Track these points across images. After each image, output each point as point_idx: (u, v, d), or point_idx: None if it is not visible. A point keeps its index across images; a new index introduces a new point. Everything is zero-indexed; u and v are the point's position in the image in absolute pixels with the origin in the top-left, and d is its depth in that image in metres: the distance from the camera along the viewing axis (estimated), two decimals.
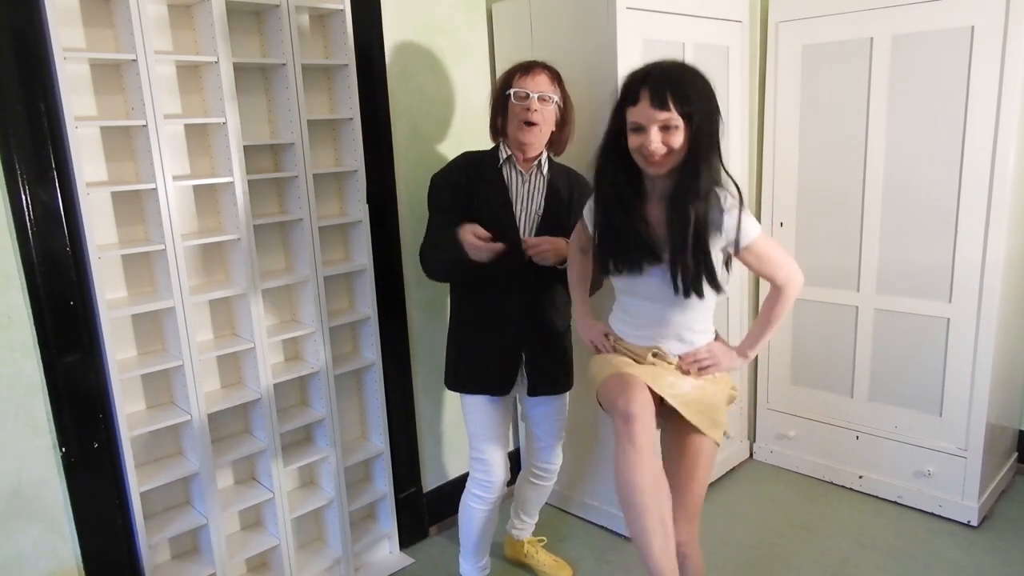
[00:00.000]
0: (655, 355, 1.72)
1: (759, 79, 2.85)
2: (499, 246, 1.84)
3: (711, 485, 2.91)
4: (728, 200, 1.57)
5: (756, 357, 3.06)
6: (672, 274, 1.58)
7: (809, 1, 2.65)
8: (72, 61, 1.74)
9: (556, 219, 2.01)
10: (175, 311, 1.89)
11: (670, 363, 1.72)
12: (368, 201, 2.26)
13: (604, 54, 2.22)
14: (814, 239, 2.78)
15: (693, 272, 1.57)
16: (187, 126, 1.97)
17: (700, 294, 1.59)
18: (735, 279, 2.89)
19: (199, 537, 2.12)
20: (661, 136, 1.51)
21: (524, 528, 2.43)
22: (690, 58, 2.44)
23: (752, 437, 3.17)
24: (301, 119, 2.06)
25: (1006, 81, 2.26)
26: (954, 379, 2.53)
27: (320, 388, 2.24)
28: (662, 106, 1.49)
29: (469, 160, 2.07)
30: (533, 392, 2.10)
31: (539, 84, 1.95)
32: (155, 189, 1.82)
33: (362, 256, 2.30)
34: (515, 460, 2.42)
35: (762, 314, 1.76)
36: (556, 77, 2.00)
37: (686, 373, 1.72)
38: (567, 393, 2.20)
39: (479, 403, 2.09)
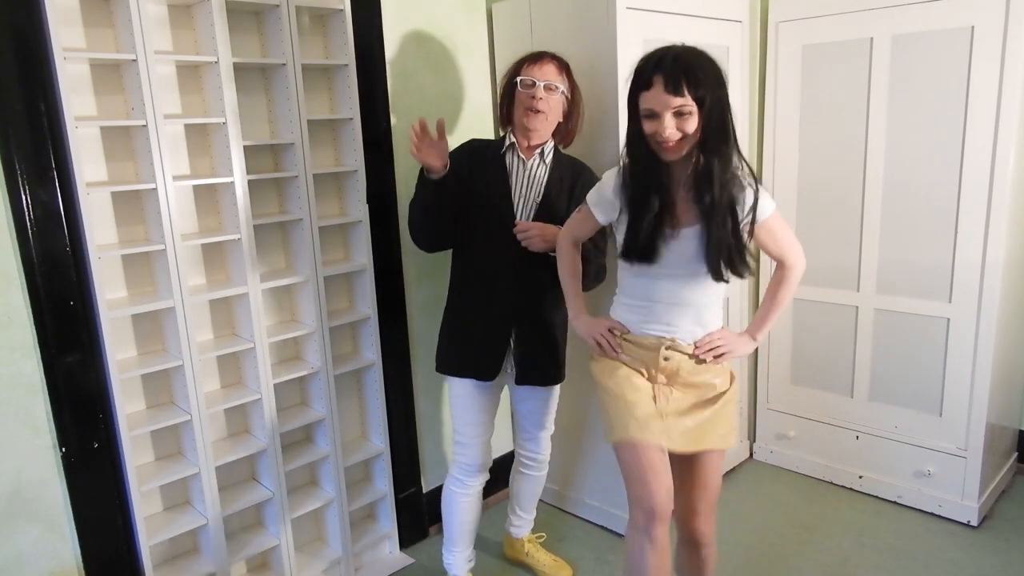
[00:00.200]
0: (668, 348, 1.70)
1: (759, 79, 2.85)
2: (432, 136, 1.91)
3: None
4: (746, 177, 1.61)
5: (756, 357, 3.07)
6: (710, 255, 1.59)
7: (809, 1, 2.65)
8: (72, 61, 1.74)
9: (553, 208, 2.02)
10: (175, 311, 1.89)
11: (685, 352, 1.70)
12: (368, 201, 2.26)
13: (604, 54, 2.22)
14: (814, 239, 2.78)
15: (731, 250, 1.58)
16: (187, 126, 1.97)
17: (738, 272, 1.61)
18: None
19: (199, 537, 2.12)
20: (675, 122, 1.51)
21: (522, 525, 2.44)
22: None
23: (752, 437, 3.17)
24: (301, 119, 2.06)
25: (1006, 81, 2.26)
26: (954, 379, 2.53)
27: (320, 388, 2.24)
28: (676, 91, 1.48)
29: (475, 145, 2.11)
30: (521, 381, 2.11)
31: (546, 73, 1.97)
32: (155, 189, 1.82)
33: (362, 256, 2.30)
34: (512, 460, 2.42)
35: (767, 297, 1.78)
36: (564, 68, 2.02)
37: (701, 361, 1.71)
38: (557, 386, 2.21)
39: (464, 387, 2.11)
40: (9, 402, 1.73)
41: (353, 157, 2.23)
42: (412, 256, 2.43)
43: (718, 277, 1.61)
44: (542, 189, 2.03)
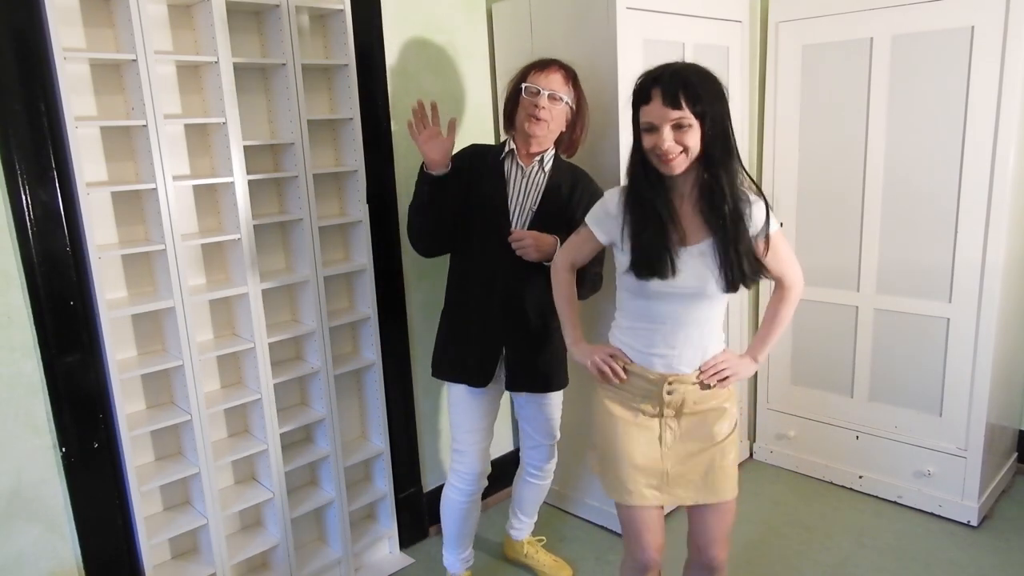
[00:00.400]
0: (672, 383, 1.65)
1: (759, 79, 2.85)
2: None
3: None
4: (751, 191, 1.60)
5: None
6: (724, 269, 1.58)
7: (809, 1, 2.65)
8: (72, 61, 1.74)
9: (550, 216, 2.01)
10: (175, 311, 1.89)
11: (687, 382, 1.66)
12: (368, 201, 2.26)
13: (604, 54, 2.22)
14: (814, 239, 2.78)
15: (743, 263, 1.57)
16: (187, 126, 1.97)
17: (749, 284, 1.60)
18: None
19: (199, 537, 2.12)
20: (674, 135, 1.51)
21: (522, 528, 2.44)
22: (690, 58, 2.44)
23: (752, 437, 3.17)
24: (301, 119, 2.06)
25: (1006, 81, 2.26)
26: (954, 379, 2.53)
27: (320, 388, 2.24)
28: (674, 104, 1.49)
29: (475, 150, 2.10)
30: (511, 387, 2.09)
31: (552, 83, 1.96)
32: (155, 189, 1.82)
33: (362, 256, 2.30)
34: (515, 461, 2.42)
35: (767, 317, 1.76)
36: (571, 77, 2.01)
37: (705, 387, 1.67)
38: (559, 393, 2.19)
39: (460, 393, 2.11)
40: (9, 402, 1.73)
41: (353, 157, 2.23)
42: (412, 256, 2.42)
43: (732, 288, 1.59)
44: (539, 197, 2.02)
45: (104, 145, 1.85)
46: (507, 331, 2.04)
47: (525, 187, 2.02)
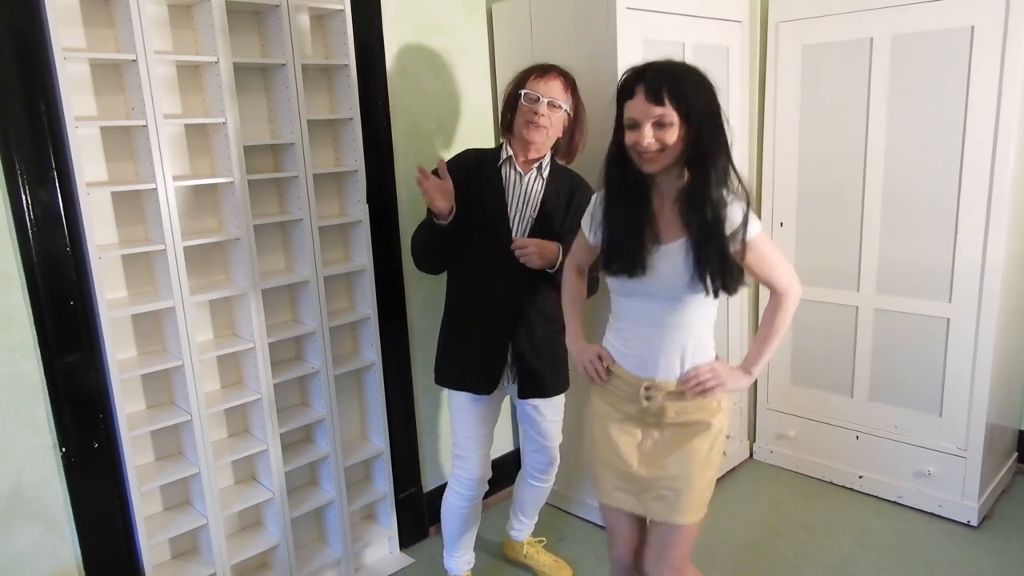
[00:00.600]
0: (648, 388, 1.63)
1: (759, 79, 2.85)
2: (442, 182, 1.89)
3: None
4: (737, 192, 1.55)
5: None
6: (696, 270, 1.54)
7: (809, 1, 2.65)
8: (72, 61, 1.74)
9: (549, 222, 2.01)
10: (175, 311, 1.89)
11: (667, 389, 1.63)
12: (368, 201, 2.26)
13: (604, 54, 2.22)
14: (814, 239, 2.78)
15: (719, 268, 1.53)
16: (187, 126, 1.97)
17: (729, 289, 1.55)
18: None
19: (199, 537, 2.12)
20: (655, 132, 1.49)
21: (522, 529, 2.43)
22: (690, 58, 2.44)
23: (752, 437, 3.17)
24: (301, 119, 2.06)
25: (1006, 81, 2.26)
26: (954, 379, 2.53)
27: (320, 388, 2.24)
28: (657, 101, 1.48)
29: (472, 156, 2.08)
30: (523, 395, 2.10)
31: (551, 89, 1.95)
32: (155, 189, 1.82)
33: (362, 256, 2.30)
34: (515, 461, 2.41)
35: (762, 328, 1.68)
36: (570, 85, 2.00)
37: (683, 394, 1.63)
38: (561, 396, 2.19)
39: (463, 400, 2.10)
40: (9, 402, 1.73)
41: (353, 157, 2.23)
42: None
43: (706, 291, 1.55)
44: (538, 204, 2.01)
45: (104, 145, 1.85)
46: (510, 338, 2.04)
47: (524, 194, 2.01)
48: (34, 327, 1.73)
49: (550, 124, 1.96)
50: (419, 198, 2.27)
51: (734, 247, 1.54)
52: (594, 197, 1.72)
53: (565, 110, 1.98)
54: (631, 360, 1.66)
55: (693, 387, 1.61)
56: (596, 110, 2.27)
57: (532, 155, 2.01)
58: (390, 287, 2.39)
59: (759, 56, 2.83)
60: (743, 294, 2.93)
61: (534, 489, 2.33)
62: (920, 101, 2.46)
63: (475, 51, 2.60)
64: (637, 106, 1.50)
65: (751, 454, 3.17)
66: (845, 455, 2.86)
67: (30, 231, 1.68)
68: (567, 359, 2.14)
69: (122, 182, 1.87)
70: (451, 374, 2.10)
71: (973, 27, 2.30)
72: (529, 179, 2.02)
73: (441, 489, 2.26)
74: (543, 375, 2.09)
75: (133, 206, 1.92)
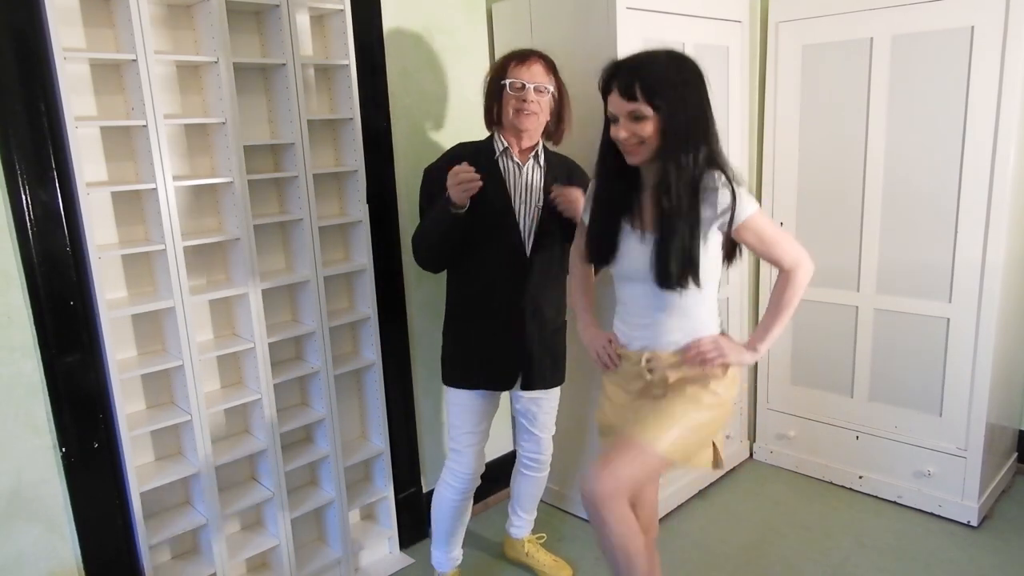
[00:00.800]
0: (649, 360, 1.67)
1: (759, 79, 2.85)
2: (475, 178, 1.83)
3: (712, 485, 2.91)
4: (720, 179, 1.55)
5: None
6: (657, 260, 1.57)
7: (809, 1, 2.65)
8: (72, 61, 1.74)
9: (555, 211, 2.00)
10: (175, 311, 1.89)
11: (669, 360, 1.66)
12: (368, 201, 2.26)
13: (604, 54, 2.20)
14: (814, 239, 2.78)
15: (671, 261, 1.54)
16: (187, 126, 1.97)
17: (683, 284, 1.57)
18: (735, 279, 2.90)
19: (199, 537, 2.12)
20: (631, 126, 1.52)
21: (522, 525, 2.44)
22: None
23: (752, 437, 3.17)
24: (301, 119, 2.06)
25: (1006, 81, 2.26)
26: (954, 379, 2.53)
27: (320, 388, 2.24)
28: (629, 96, 1.51)
29: (465, 151, 2.04)
30: (528, 386, 2.10)
31: (535, 75, 1.94)
32: (155, 189, 1.82)
33: (362, 256, 2.30)
34: (514, 460, 2.41)
35: (771, 304, 1.67)
36: (551, 67, 1.99)
37: (690, 361, 1.65)
38: (558, 388, 2.21)
39: (465, 396, 2.10)
40: (9, 402, 1.73)
41: (353, 157, 2.23)
42: (412, 256, 2.43)
43: (662, 284, 1.57)
44: (541, 193, 2.02)
45: (104, 145, 1.85)
46: (526, 332, 2.03)
47: (525, 185, 2.01)
48: (34, 327, 1.73)
49: (540, 109, 1.95)
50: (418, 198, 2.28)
51: (721, 229, 1.58)
52: (590, 185, 1.76)
53: (551, 92, 1.97)
54: (636, 342, 1.71)
55: (693, 356, 1.64)
56: (596, 110, 2.27)
57: (526, 143, 2.00)
58: (390, 287, 2.39)
59: (759, 56, 2.83)
60: (743, 273, 2.93)
61: (530, 480, 2.34)
62: (920, 101, 2.45)
63: (475, 51, 2.60)
64: (613, 101, 1.55)
65: (751, 454, 3.17)
66: (845, 455, 2.86)
67: (30, 231, 1.68)
68: (566, 351, 2.17)
69: (122, 182, 1.87)
70: (464, 374, 2.08)
71: (973, 27, 2.30)
72: (528, 169, 2.02)
73: None
74: (550, 367, 2.11)
75: (133, 206, 1.92)
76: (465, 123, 2.58)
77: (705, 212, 1.55)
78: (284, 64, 2.02)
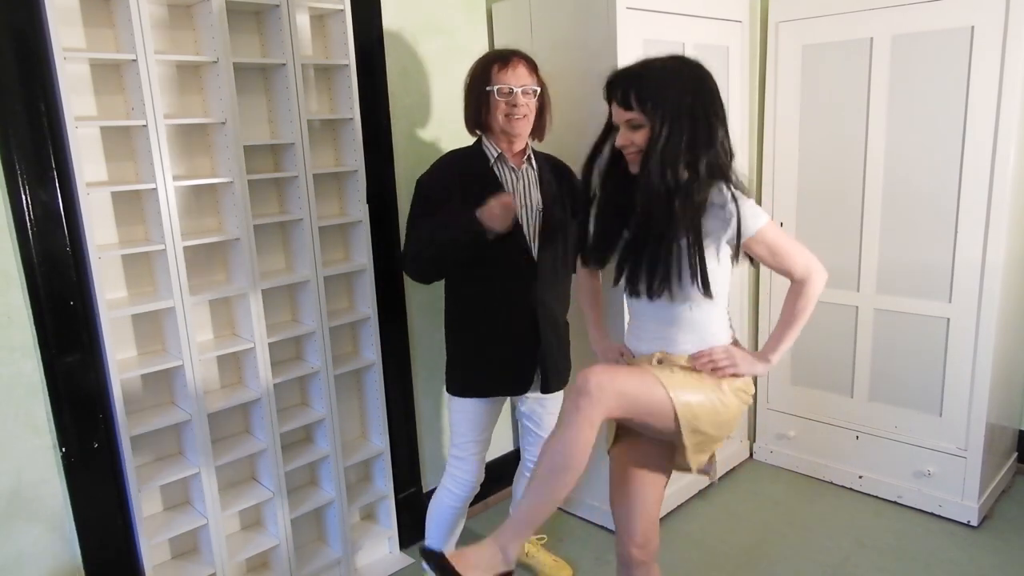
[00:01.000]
0: (660, 362, 1.65)
1: (759, 79, 2.85)
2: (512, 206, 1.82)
3: (712, 485, 2.91)
4: (727, 192, 1.52)
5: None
6: (627, 273, 1.57)
7: (809, 1, 2.65)
8: (72, 61, 1.74)
9: (555, 210, 1.99)
10: (175, 311, 1.89)
11: (679, 364, 1.63)
12: (368, 201, 2.26)
13: (604, 54, 2.22)
14: (814, 239, 2.78)
15: (649, 271, 1.53)
16: (187, 126, 1.97)
17: (650, 294, 1.55)
18: (735, 282, 2.89)
19: (199, 537, 2.12)
20: (629, 135, 1.53)
21: None
22: None
23: (752, 437, 3.17)
24: (301, 119, 2.06)
25: (1006, 81, 2.26)
26: (954, 379, 2.53)
27: (320, 388, 2.24)
28: (625, 105, 1.52)
29: (457, 160, 2.02)
30: (547, 389, 2.08)
31: (520, 77, 1.92)
32: (155, 189, 1.82)
33: (362, 256, 2.30)
34: (515, 461, 2.41)
35: (783, 314, 1.64)
36: (533, 65, 1.97)
37: (702, 367, 1.62)
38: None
39: (471, 404, 2.07)
40: (9, 402, 1.73)
41: (353, 157, 2.23)
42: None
43: (628, 290, 1.57)
44: (539, 194, 2.01)
45: (104, 145, 1.85)
46: (539, 335, 2.02)
47: (524, 188, 2.00)
48: (34, 327, 1.73)
49: (529, 111, 1.94)
50: None
51: (732, 243, 1.55)
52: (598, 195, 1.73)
53: (536, 92, 1.96)
54: (639, 349, 1.70)
55: (704, 364, 1.61)
56: (596, 110, 2.26)
57: (518, 147, 1.99)
58: (390, 287, 2.39)
59: (759, 56, 2.83)
60: (743, 277, 2.93)
61: None
62: (920, 101, 2.46)
63: (475, 51, 2.59)
64: (614, 110, 1.56)
65: (751, 454, 3.17)
66: (845, 455, 2.86)
67: (30, 231, 1.68)
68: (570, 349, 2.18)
69: (122, 182, 1.87)
70: (479, 382, 2.05)
71: (973, 27, 2.30)
72: (524, 173, 2.01)
73: None
74: (562, 367, 2.12)
75: (133, 206, 1.92)
76: (464, 124, 2.58)
77: (711, 226, 1.53)
78: (284, 64, 2.02)
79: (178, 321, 1.90)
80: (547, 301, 2.02)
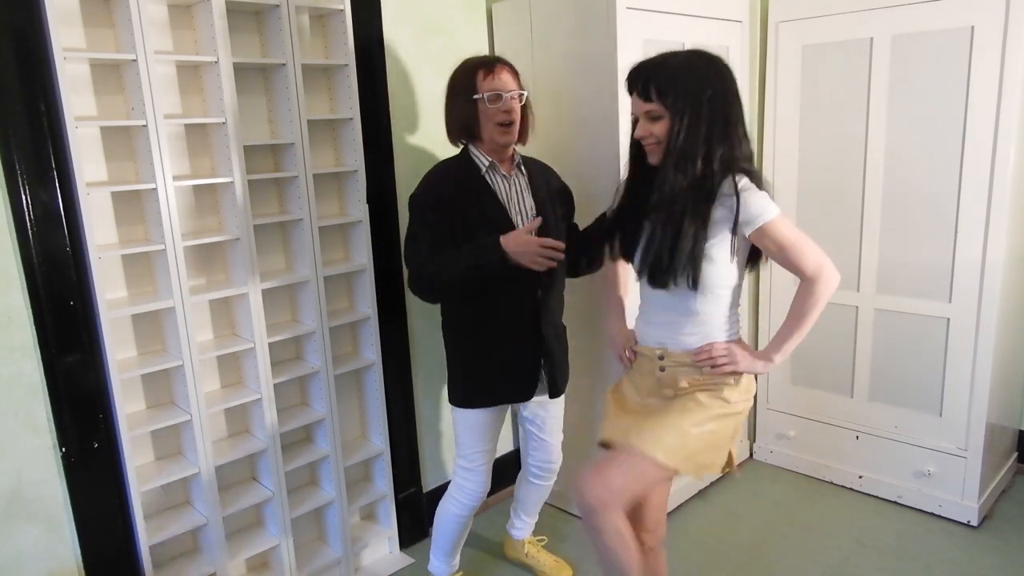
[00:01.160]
0: (662, 358, 1.67)
1: (759, 79, 2.85)
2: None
3: (711, 486, 2.91)
4: (735, 183, 1.53)
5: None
6: (649, 261, 1.58)
7: (809, 1, 2.65)
8: (72, 61, 1.74)
9: (547, 214, 1.97)
10: (175, 311, 1.89)
11: (682, 361, 1.65)
12: (368, 201, 2.26)
13: (604, 54, 2.22)
14: (814, 239, 2.77)
15: (669, 262, 1.54)
16: (187, 126, 1.97)
17: (661, 283, 1.57)
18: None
19: (199, 537, 2.12)
20: (648, 126, 1.55)
21: (524, 528, 2.43)
22: None
23: (752, 437, 3.17)
24: (301, 119, 2.06)
25: (1006, 81, 2.26)
26: (954, 379, 2.53)
27: (320, 388, 2.24)
28: (644, 97, 1.54)
29: (447, 172, 1.98)
30: (555, 393, 2.09)
31: (507, 83, 1.90)
32: (155, 189, 1.82)
33: (362, 256, 2.30)
34: (515, 461, 2.42)
35: (790, 313, 1.62)
36: (515, 71, 1.96)
37: (697, 369, 1.64)
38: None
39: (478, 415, 2.05)
40: (9, 402, 1.73)
41: (353, 157, 2.23)
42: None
43: (651, 281, 1.58)
44: (531, 199, 2.00)
45: (104, 145, 1.85)
46: (545, 338, 2.01)
47: (516, 196, 1.98)
48: (34, 327, 1.73)
49: (518, 117, 1.93)
50: None
51: (732, 232, 1.56)
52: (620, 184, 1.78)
53: (523, 96, 1.94)
54: (651, 339, 1.72)
55: (704, 360, 1.62)
56: (596, 110, 2.27)
57: (508, 154, 1.98)
58: (390, 287, 2.39)
59: (759, 56, 2.83)
60: (744, 281, 2.92)
61: (537, 487, 2.33)
62: (920, 101, 2.45)
63: (475, 51, 2.60)
64: (633, 101, 1.59)
65: (751, 454, 3.17)
66: (845, 455, 2.86)
67: (30, 231, 1.68)
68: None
69: (122, 182, 1.87)
70: (485, 391, 2.03)
71: (973, 27, 2.30)
72: (514, 179, 1.99)
73: (441, 489, 2.26)
74: (565, 370, 2.12)
75: (133, 206, 1.92)
76: None
77: (718, 215, 1.54)
78: (284, 64, 2.02)
79: (178, 321, 1.90)
80: (548, 304, 2.02)
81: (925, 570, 2.37)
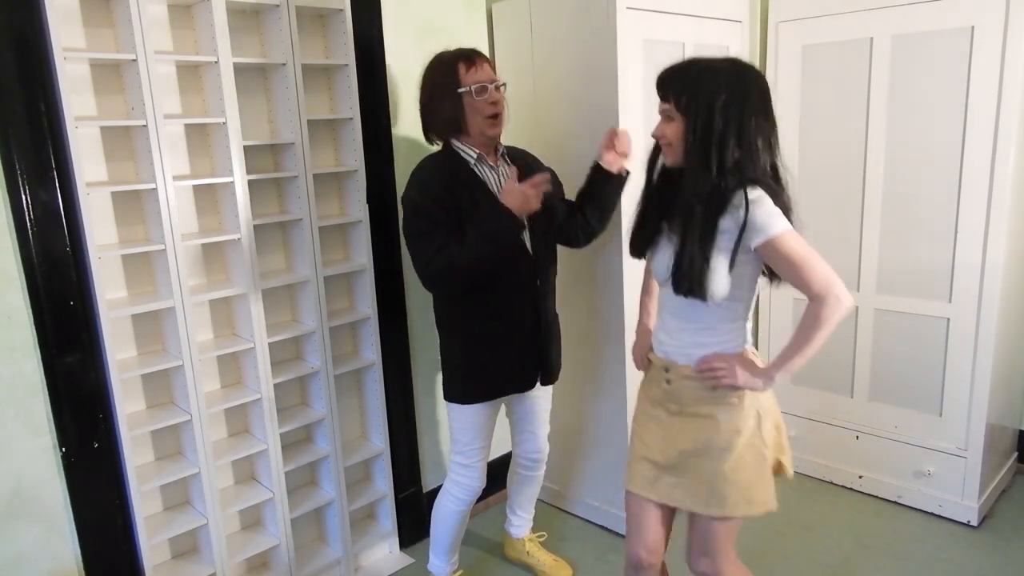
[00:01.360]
0: (667, 371, 1.66)
1: None
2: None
3: None
4: (747, 195, 1.50)
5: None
6: (672, 271, 1.56)
7: (809, 1, 2.65)
8: (72, 61, 1.74)
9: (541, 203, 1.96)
10: (175, 311, 1.89)
11: (686, 375, 1.63)
12: (368, 201, 2.26)
13: (604, 54, 2.22)
14: (814, 240, 2.73)
15: (688, 270, 1.51)
16: (187, 126, 1.97)
17: (695, 294, 1.53)
18: None
19: (199, 537, 2.12)
20: (662, 126, 1.56)
21: (522, 524, 2.44)
22: None
23: None
24: (301, 119, 2.06)
25: (1006, 81, 2.26)
26: (954, 379, 2.53)
27: (320, 388, 2.24)
28: (664, 97, 1.55)
29: (437, 168, 1.95)
30: (548, 381, 2.12)
31: (489, 73, 1.91)
32: (155, 189, 1.82)
33: (362, 256, 2.30)
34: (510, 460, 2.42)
35: (794, 335, 1.56)
36: (492, 62, 1.96)
37: (701, 375, 1.62)
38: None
39: (475, 411, 2.05)
40: (9, 402, 1.73)
41: (353, 157, 2.23)
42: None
43: (676, 290, 1.56)
44: None
45: (104, 145, 1.85)
46: (541, 328, 2.03)
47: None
48: (34, 327, 1.73)
49: (503, 108, 1.93)
50: None
51: (728, 247, 1.52)
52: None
53: (505, 87, 1.95)
54: (660, 349, 1.71)
55: (703, 370, 1.60)
56: (596, 110, 2.27)
57: (492, 145, 1.98)
58: (390, 287, 2.39)
59: (759, 56, 2.83)
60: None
61: (528, 479, 2.34)
62: (920, 101, 2.45)
63: None
64: (658, 103, 1.59)
65: None
66: (845, 455, 2.86)
67: (30, 231, 1.68)
68: None
69: (122, 182, 1.87)
70: (485, 385, 2.03)
71: (973, 27, 2.30)
72: (501, 170, 2.00)
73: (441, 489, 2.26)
74: (557, 359, 2.14)
75: (133, 206, 1.92)
76: None
77: (724, 226, 1.51)
78: (284, 64, 2.02)
79: (178, 321, 1.90)
80: (544, 293, 2.03)
81: (925, 570, 2.37)
